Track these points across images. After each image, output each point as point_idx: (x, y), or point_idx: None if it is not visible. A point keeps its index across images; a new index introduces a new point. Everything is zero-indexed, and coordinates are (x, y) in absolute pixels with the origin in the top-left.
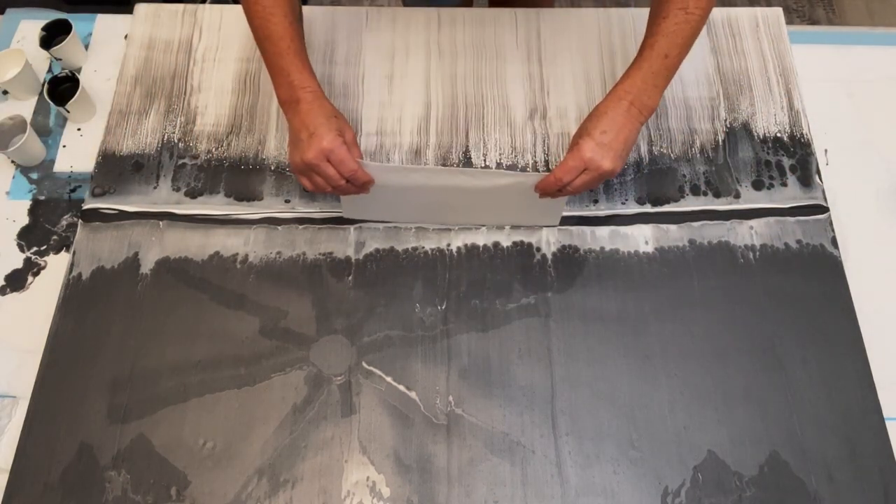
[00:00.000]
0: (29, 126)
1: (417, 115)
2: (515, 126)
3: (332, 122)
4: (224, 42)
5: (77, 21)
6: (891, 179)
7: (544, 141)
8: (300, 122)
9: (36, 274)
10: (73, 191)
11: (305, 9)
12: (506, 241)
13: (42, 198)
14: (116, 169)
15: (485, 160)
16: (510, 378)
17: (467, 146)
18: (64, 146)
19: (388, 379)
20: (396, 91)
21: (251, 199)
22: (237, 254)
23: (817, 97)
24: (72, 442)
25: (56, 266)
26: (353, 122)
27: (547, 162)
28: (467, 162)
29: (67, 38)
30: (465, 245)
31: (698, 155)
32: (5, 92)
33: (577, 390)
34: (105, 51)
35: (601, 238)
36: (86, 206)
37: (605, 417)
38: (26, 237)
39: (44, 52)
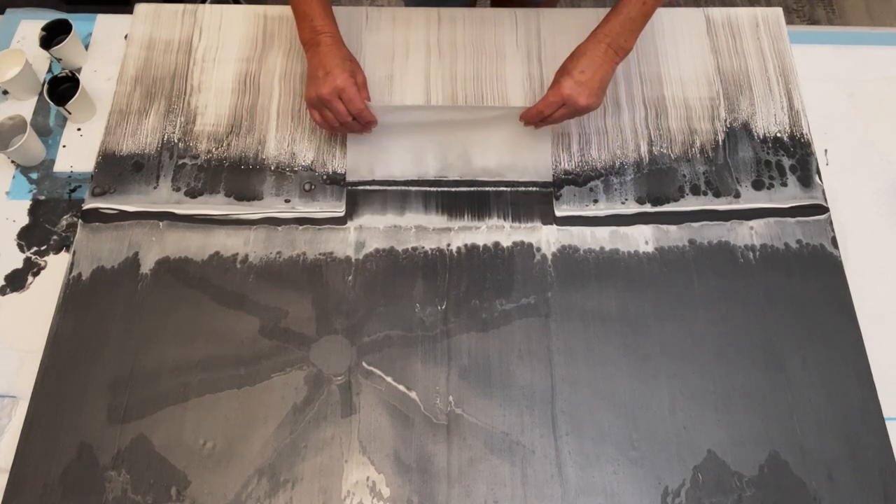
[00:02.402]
0: (29, 126)
1: None
2: None
3: (346, 65)
4: (224, 42)
5: (77, 21)
6: (891, 179)
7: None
8: (318, 61)
9: (36, 274)
10: (73, 191)
11: None
12: (506, 241)
13: (42, 198)
14: (116, 169)
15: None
16: (510, 378)
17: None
18: (64, 146)
19: (388, 379)
20: (396, 91)
21: (251, 199)
22: (237, 254)
23: (817, 97)
24: (72, 442)
25: (56, 266)
26: None
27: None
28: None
29: (67, 38)
30: (465, 245)
31: (698, 155)
32: (5, 92)
33: (577, 390)
34: (105, 51)
35: (601, 238)
36: (86, 206)
37: (605, 417)
38: (26, 237)
39: (44, 52)
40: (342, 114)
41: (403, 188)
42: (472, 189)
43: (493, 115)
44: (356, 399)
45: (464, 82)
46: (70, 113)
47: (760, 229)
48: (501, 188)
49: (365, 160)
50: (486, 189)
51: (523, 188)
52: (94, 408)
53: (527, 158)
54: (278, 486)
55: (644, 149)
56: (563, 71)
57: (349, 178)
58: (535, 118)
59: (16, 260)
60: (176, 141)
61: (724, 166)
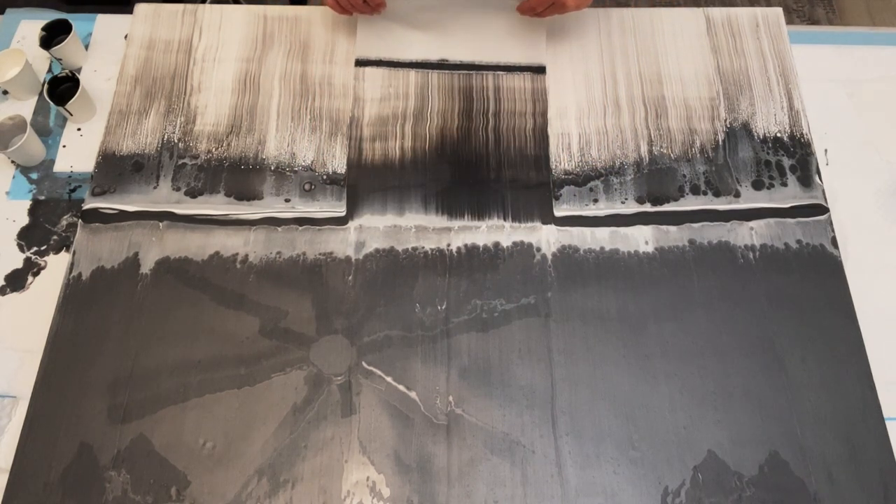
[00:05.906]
0: (29, 126)
1: None
2: None
3: None
4: (224, 42)
5: (77, 21)
6: (891, 179)
7: (544, 140)
8: None
9: (36, 274)
10: (73, 191)
11: (305, 9)
12: (506, 241)
13: (42, 198)
14: (116, 169)
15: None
16: (510, 378)
17: None
18: (64, 146)
19: (388, 379)
20: None
21: (251, 199)
22: (237, 254)
23: (817, 97)
24: (72, 442)
25: (56, 266)
26: (353, 121)
27: (547, 159)
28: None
29: (67, 38)
30: (465, 245)
31: (698, 155)
32: (5, 92)
33: (577, 390)
34: (105, 51)
35: (601, 238)
36: (86, 206)
37: (605, 417)
38: (26, 237)
39: (44, 52)
40: None
41: (408, 70)
42: (470, 72)
43: (492, 3)
44: (356, 399)
45: None
46: (70, 113)
47: (760, 229)
48: (499, 72)
49: (374, 42)
50: (484, 73)
51: (518, 72)
52: (94, 408)
53: (521, 44)
54: (278, 486)
55: (644, 149)
56: None
57: (358, 56)
58: (528, 12)
59: (16, 260)
60: (176, 141)
61: (724, 166)
